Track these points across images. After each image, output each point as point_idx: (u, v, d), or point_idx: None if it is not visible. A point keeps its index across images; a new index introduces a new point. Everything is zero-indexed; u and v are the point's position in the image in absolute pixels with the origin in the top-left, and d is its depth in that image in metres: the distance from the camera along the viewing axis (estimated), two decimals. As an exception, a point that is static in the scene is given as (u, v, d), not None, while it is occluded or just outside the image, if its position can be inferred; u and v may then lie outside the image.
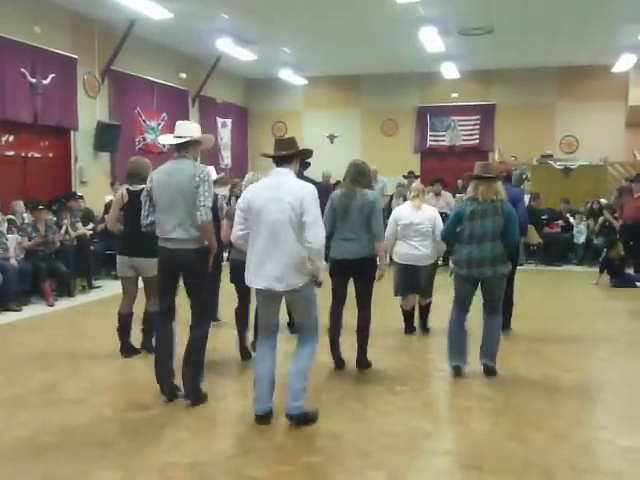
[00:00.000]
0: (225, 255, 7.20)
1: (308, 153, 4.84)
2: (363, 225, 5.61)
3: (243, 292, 5.97)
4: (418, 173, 16.02)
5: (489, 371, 5.64)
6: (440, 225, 6.65)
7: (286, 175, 4.51)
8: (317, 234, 4.30)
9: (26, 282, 8.91)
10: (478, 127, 18.07)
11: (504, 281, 5.67)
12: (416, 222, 6.73)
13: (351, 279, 5.78)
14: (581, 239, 13.58)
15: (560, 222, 13.99)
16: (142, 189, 5.92)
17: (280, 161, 4.56)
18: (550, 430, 4.47)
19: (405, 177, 14.53)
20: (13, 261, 8.77)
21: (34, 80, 11.01)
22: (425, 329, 7.22)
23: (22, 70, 10.79)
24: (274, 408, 4.57)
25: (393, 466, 3.90)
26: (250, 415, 4.72)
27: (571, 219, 13.85)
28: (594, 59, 16.04)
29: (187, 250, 4.83)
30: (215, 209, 6.57)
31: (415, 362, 6.20)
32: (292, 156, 4.57)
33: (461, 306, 5.73)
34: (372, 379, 5.61)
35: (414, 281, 6.89)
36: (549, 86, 17.47)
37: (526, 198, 14.17)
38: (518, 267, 7.08)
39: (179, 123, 5.18)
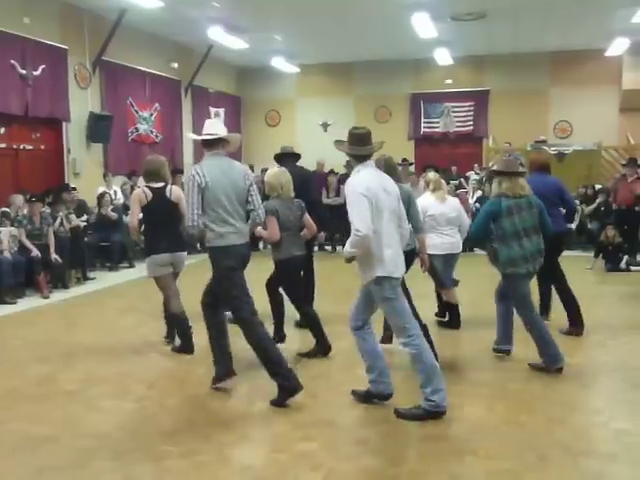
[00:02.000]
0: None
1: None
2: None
3: None
4: (412, 160, 15.99)
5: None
6: (465, 214, 6.77)
7: (369, 167, 4.58)
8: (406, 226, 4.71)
9: (20, 275, 8.88)
10: (472, 113, 18.02)
11: None
12: (447, 211, 6.70)
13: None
14: (573, 224, 13.57)
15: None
16: (163, 186, 6.04)
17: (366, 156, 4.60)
18: (545, 414, 4.49)
19: (399, 165, 14.50)
20: (7, 254, 8.74)
21: (24, 71, 10.93)
22: (458, 324, 6.97)
23: (12, 62, 10.71)
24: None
25: (389, 452, 3.92)
26: (244, 404, 4.73)
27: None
28: (587, 43, 15.99)
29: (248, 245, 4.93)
30: None
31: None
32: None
33: (531, 305, 5.55)
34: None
35: (449, 272, 6.78)
36: (542, 71, 17.43)
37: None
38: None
39: (209, 121, 5.14)
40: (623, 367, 5.62)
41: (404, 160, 14.59)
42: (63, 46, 11.86)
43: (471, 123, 18.06)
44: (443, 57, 16.63)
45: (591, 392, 5.17)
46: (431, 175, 7.18)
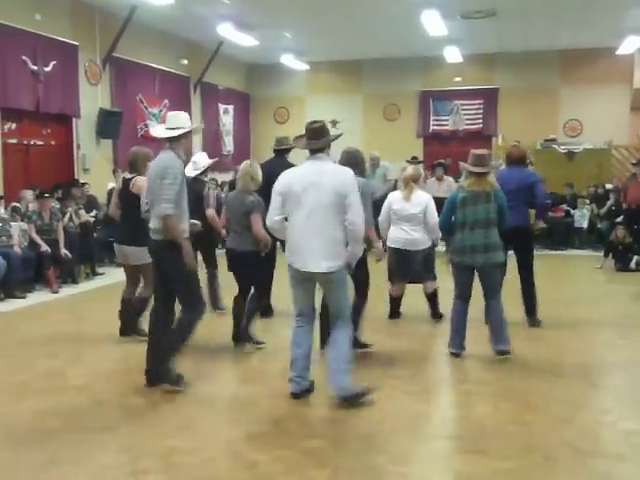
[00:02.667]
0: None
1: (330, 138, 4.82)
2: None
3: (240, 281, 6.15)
4: (421, 158, 15.96)
5: (502, 353, 5.63)
6: (432, 211, 6.67)
7: (321, 160, 4.65)
8: (359, 215, 4.50)
9: (30, 269, 8.94)
10: (481, 111, 17.96)
11: (499, 269, 5.69)
12: (407, 208, 6.74)
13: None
14: (584, 224, 13.53)
15: (564, 206, 13.95)
16: (131, 177, 6.14)
17: (316, 149, 4.68)
18: (552, 414, 4.48)
19: (408, 162, 14.48)
20: (17, 249, 8.79)
21: (35, 67, 10.98)
22: (436, 315, 7.12)
23: (23, 58, 10.76)
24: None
25: (395, 450, 3.92)
26: (252, 400, 4.75)
27: (571, 210, 13.76)
28: (598, 42, 15.89)
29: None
30: (199, 197, 6.74)
31: (417, 346, 6.21)
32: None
33: (459, 294, 5.75)
34: (374, 363, 5.62)
35: (407, 267, 6.85)
36: (553, 69, 17.34)
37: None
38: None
39: (170, 114, 5.17)
40: (632, 366, 5.61)
41: (414, 158, 14.58)
42: (74, 42, 11.91)
43: (480, 121, 18.00)
44: (453, 55, 16.57)
45: (599, 391, 5.15)
46: (409, 170, 7.18)
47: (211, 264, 7.33)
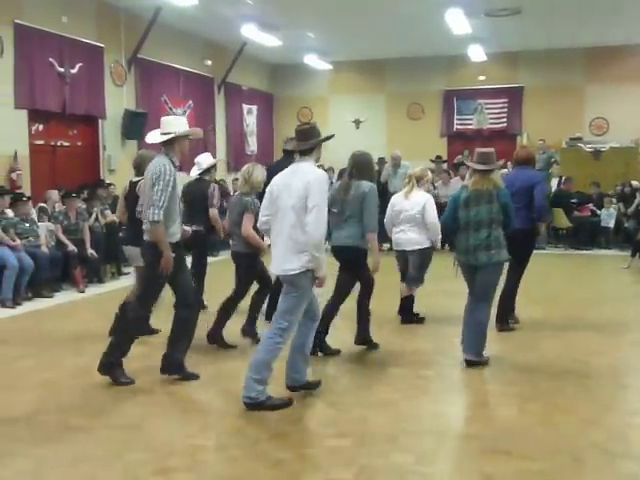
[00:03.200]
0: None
1: (320, 138, 4.74)
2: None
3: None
4: (445, 157, 15.88)
5: (471, 364, 5.46)
6: (430, 210, 6.67)
7: (304, 162, 4.62)
8: (317, 220, 4.34)
9: (57, 269, 9.05)
10: (506, 110, 17.81)
11: (499, 269, 5.56)
12: (405, 207, 6.76)
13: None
14: (610, 223, 13.35)
15: (590, 206, 13.79)
16: (138, 181, 6.20)
17: (303, 151, 4.66)
18: (580, 415, 4.43)
19: (432, 161, 14.43)
20: (44, 249, 8.90)
21: (62, 69, 11.12)
22: (406, 320, 7.01)
23: (50, 60, 10.91)
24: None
25: (420, 450, 3.91)
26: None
27: (597, 211, 13.57)
28: (625, 39, 15.67)
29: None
30: (204, 197, 6.88)
31: (440, 347, 6.18)
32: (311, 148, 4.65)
33: (470, 293, 5.66)
34: (398, 364, 5.60)
35: (405, 268, 6.88)
36: (578, 67, 17.13)
37: (554, 182, 14.03)
38: (542, 251, 6.97)
39: (164, 119, 5.25)
40: (660, 368, 5.53)
41: (438, 157, 14.52)
42: (100, 44, 12.04)
43: (505, 120, 17.86)
44: (477, 53, 16.46)
45: (628, 392, 5.07)
46: (416, 169, 7.17)
47: (199, 263, 7.28)
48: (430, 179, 7.28)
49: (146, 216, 4.93)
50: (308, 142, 4.61)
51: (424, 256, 6.80)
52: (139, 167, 6.30)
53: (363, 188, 5.63)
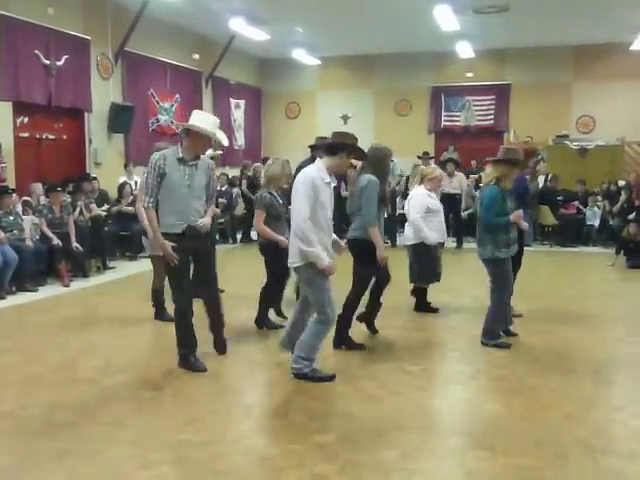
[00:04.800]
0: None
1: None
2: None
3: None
4: (433, 154, 15.90)
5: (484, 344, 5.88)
6: (412, 206, 6.85)
7: (316, 161, 4.97)
8: (296, 217, 4.68)
9: (42, 263, 8.99)
10: (493, 107, 17.90)
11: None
12: (406, 207, 7.07)
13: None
14: (595, 222, 13.41)
15: (576, 203, 13.87)
16: None
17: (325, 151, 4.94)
18: (564, 411, 4.45)
19: (420, 158, 14.44)
20: (29, 242, 8.83)
21: (48, 62, 11.03)
22: (426, 309, 7.24)
23: (36, 52, 10.82)
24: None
25: (405, 446, 3.91)
26: (263, 394, 4.76)
27: (583, 208, 13.64)
28: (612, 37, 15.77)
29: None
30: None
31: (427, 342, 6.19)
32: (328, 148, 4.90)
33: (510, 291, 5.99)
34: (384, 359, 5.61)
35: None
36: (565, 65, 17.24)
37: (541, 179, 14.10)
38: (528, 248, 7.09)
39: (196, 111, 5.32)
40: (644, 365, 5.57)
41: (425, 153, 14.53)
42: (86, 37, 11.96)
43: (492, 117, 17.94)
44: (465, 50, 16.50)
45: (611, 389, 5.12)
46: (423, 168, 7.60)
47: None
48: (435, 177, 7.20)
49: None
50: (325, 141, 5.01)
51: (414, 251, 6.90)
52: None
53: (362, 181, 5.66)
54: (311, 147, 7.71)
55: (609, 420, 4.37)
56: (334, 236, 5.07)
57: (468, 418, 4.37)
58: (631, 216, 11.84)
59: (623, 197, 13.14)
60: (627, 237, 10.87)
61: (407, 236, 7.03)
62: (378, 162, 5.79)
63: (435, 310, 7.20)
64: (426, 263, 6.86)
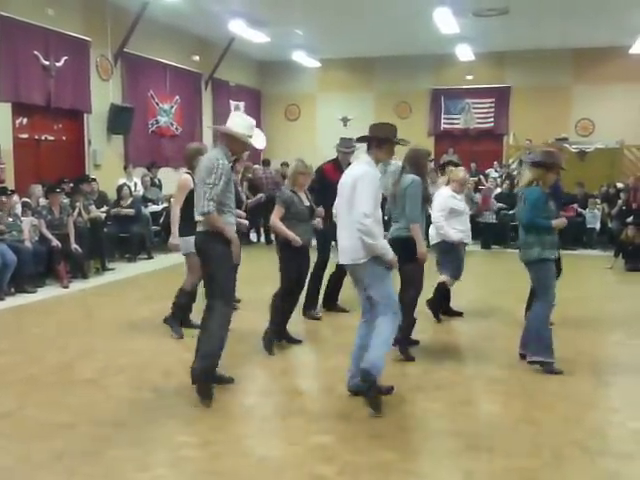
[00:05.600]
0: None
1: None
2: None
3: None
4: (432, 156, 15.91)
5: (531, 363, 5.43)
6: (435, 206, 6.94)
7: (358, 157, 4.97)
8: (357, 213, 4.53)
9: (41, 264, 8.98)
10: (493, 110, 17.92)
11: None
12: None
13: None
14: (596, 225, 13.36)
15: (575, 206, 13.86)
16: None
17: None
18: (561, 413, 4.46)
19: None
20: (28, 243, 8.83)
21: (47, 63, 11.03)
22: (447, 312, 7.19)
23: (35, 53, 10.82)
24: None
25: (404, 446, 3.92)
26: (261, 395, 4.76)
27: (582, 211, 13.59)
28: (612, 40, 15.78)
29: None
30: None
31: (426, 343, 6.19)
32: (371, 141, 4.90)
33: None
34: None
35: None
36: (565, 68, 17.26)
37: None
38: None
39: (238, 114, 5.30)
40: (642, 367, 5.58)
41: (425, 156, 14.53)
42: (86, 38, 11.96)
43: (492, 120, 17.96)
44: (464, 53, 16.51)
45: (608, 391, 5.13)
46: (452, 171, 7.64)
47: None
48: (459, 179, 7.27)
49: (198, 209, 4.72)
50: (365, 136, 4.99)
51: (436, 250, 7.03)
52: (188, 161, 6.41)
53: (406, 181, 5.72)
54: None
55: (606, 422, 4.39)
56: None
57: (467, 419, 4.38)
58: (630, 219, 11.85)
59: (622, 200, 13.15)
60: (626, 240, 10.89)
61: (432, 236, 7.09)
62: (418, 163, 5.90)
63: (460, 314, 7.21)
64: (449, 261, 6.96)
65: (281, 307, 5.99)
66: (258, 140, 5.17)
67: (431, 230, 7.09)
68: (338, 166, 6.91)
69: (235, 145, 4.93)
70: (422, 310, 7.19)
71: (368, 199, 4.54)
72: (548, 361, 5.30)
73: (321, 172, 7.14)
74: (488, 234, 13.14)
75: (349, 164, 5.85)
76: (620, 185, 14.17)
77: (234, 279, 5.17)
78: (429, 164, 7.87)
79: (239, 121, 5.01)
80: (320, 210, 6.44)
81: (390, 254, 4.62)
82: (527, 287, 6.39)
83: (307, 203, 6.18)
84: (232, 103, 17.62)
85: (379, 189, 4.71)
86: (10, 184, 10.06)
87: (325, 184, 6.67)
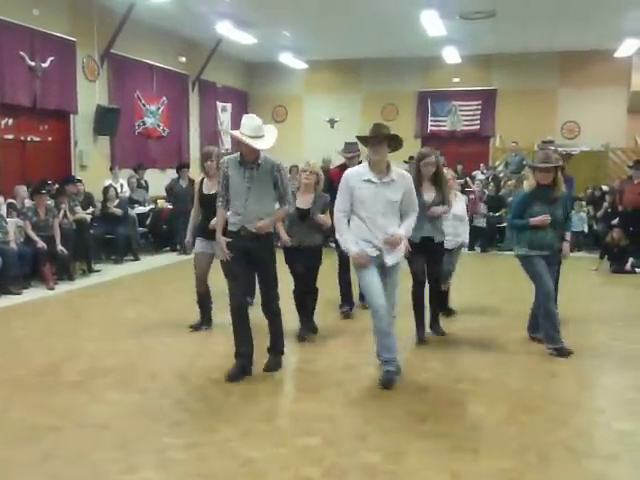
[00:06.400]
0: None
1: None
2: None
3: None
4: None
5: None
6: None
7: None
8: (417, 207, 5.31)
9: (26, 266, 8.92)
10: (479, 112, 17.99)
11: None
12: None
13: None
14: (583, 227, 13.39)
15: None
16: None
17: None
18: (547, 414, 4.49)
19: (406, 162, 14.50)
20: (13, 245, 8.77)
21: (33, 63, 10.97)
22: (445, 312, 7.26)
23: (21, 53, 10.75)
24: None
25: (389, 448, 3.92)
26: (247, 397, 4.75)
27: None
28: (597, 44, 15.92)
29: None
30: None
31: (409, 345, 6.20)
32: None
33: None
34: (368, 361, 5.61)
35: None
36: (551, 71, 17.37)
37: (526, 184, 14.17)
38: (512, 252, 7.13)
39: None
40: (626, 368, 5.62)
41: (411, 158, 14.57)
42: (72, 38, 11.90)
43: (478, 122, 18.03)
44: (451, 55, 16.58)
45: (593, 392, 5.17)
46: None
47: None
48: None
49: None
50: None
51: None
52: (200, 164, 6.63)
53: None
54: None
55: (591, 423, 4.41)
56: None
57: (452, 421, 4.39)
58: (615, 221, 11.94)
59: (607, 202, 13.24)
60: (611, 242, 10.98)
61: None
62: (431, 163, 6.44)
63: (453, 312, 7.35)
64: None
65: (298, 301, 6.33)
66: (259, 141, 5.17)
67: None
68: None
69: (241, 146, 5.14)
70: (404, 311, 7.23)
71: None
72: (555, 347, 5.76)
73: (328, 176, 7.15)
74: (483, 238, 13.01)
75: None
76: (605, 188, 14.28)
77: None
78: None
79: (243, 122, 5.19)
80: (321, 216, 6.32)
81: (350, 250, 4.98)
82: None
83: (302, 205, 6.15)
84: (219, 104, 17.59)
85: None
86: (-5, 185, 9.99)
87: (333, 189, 6.66)
